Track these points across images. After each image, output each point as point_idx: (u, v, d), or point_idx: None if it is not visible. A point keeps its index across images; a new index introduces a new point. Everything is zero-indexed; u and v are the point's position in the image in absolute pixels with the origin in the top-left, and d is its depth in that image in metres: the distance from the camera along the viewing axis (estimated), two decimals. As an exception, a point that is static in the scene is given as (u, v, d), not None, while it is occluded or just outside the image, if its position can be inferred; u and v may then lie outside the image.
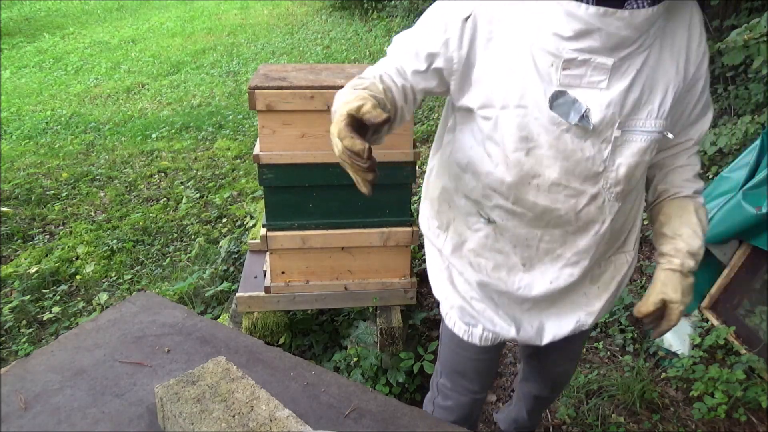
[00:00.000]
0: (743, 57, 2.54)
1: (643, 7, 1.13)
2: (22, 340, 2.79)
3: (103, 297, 3.11)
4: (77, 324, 2.83)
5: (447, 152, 1.46)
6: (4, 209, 4.06)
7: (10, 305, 3.02)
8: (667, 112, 1.26)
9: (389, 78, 1.28)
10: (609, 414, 2.28)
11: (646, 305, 1.41)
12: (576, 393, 2.35)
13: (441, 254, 1.53)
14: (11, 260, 3.51)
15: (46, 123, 6.25)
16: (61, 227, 3.99)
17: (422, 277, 3.20)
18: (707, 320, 2.58)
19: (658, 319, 1.43)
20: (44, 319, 2.98)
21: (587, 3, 1.11)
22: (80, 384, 1.05)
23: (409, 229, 2.32)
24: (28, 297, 3.12)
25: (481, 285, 1.48)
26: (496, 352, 1.67)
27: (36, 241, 3.76)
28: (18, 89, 7.62)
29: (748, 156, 2.56)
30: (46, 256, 3.57)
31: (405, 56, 1.29)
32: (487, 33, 1.21)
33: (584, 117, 1.20)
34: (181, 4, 13.80)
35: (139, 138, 5.67)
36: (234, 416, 0.87)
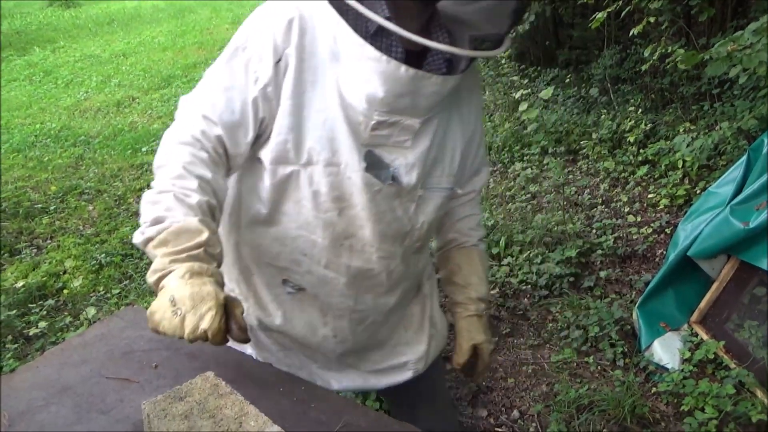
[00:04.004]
0: (726, 68, 2.57)
1: (440, 70, 1.16)
2: (8, 356, 2.75)
3: (91, 312, 3.08)
4: (64, 339, 2.80)
5: (240, 214, 1.33)
6: (-9, 223, 4.03)
7: (-5, 320, 2.98)
8: (456, 168, 1.32)
9: (201, 185, 1.10)
10: (600, 429, 2.27)
11: (462, 355, 1.50)
12: (567, 408, 2.35)
13: (250, 327, 1.42)
14: (-3, 274, 3.48)
15: (35, 136, 6.22)
16: (48, 241, 3.95)
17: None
18: (697, 334, 2.59)
19: (473, 362, 1.53)
20: (30, 334, 2.94)
21: (397, 60, 1.09)
22: (66, 401, 1.03)
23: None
24: (14, 311, 3.08)
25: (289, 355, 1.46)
26: None
27: (23, 255, 3.72)
28: (7, 102, 7.58)
29: (735, 171, 2.59)
30: (33, 270, 3.53)
31: (215, 117, 1.14)
32: (297, 81, 1.15)
33: (396, 178, 1.22)
34: (172, 18, 13.83)
35: (129, 152, 5.65)
36: (222, 433, 0.86)
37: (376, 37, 1.13)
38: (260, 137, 1.19)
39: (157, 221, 1.04)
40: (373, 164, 1.20)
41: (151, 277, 1.01)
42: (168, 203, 1.05)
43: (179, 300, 0.94)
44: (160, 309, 0.95)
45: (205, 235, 1.03)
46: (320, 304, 1.36)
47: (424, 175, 1.26)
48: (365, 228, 1.25)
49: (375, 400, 2.34)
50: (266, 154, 1.19)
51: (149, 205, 1.08)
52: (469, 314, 1.50)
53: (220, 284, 1.03)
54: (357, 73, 1.13)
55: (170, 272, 0.99)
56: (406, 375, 1.51)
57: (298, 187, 1.21)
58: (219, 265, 1.08)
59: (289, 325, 1.39)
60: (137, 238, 1.06)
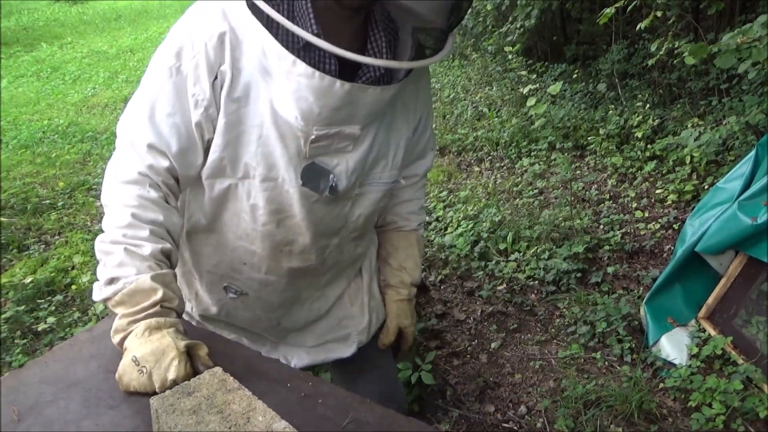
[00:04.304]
0: (735, 62, 2.54)
1: (378, 81, 1.15)
2: (16, 351, 2.77)
3: (99, 307, 3.09)
4: (72, 335, 2.82)
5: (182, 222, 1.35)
6: (0, 219, 4.05)
7: (4, 315, 2.99)
8: (400, 162, 1.33)
9: (153, 230, 1.08)
10: (607, 425, 2.27)
11: (388, 337, 1.56)
12: (574, 404, 2.34)
13: (192, 317, 1.47)
14: (6, 270, 3.50)
15: (43, 132, 6.25)
16: (57, 237, 3.97)
17: (420, 287, 3.20)
18: (704, 330, 2.58)
19: (397, 344, 1.59)
20: (39, 329, 2.95)
21: (330, 74, 1.06)
22: (74, 396, 1.03)
23: (406, 239, 2.31)
24: (23, 307, 3.10)
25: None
26: None
27: (31, 251, 3.74)
28: (15, 98, 7.62)
29: (743, 167, 2.57)
30: (42, 266, 3.55)
31: (162, 146, 1.11)
32: (231, 98, 1.12)
33: (333, 188, 1.23)
34: (179, 14, 13.83)
35: (136, 147, 5.66)
36: (230, 428, 0.87)
37: (306, 50, 1.08)
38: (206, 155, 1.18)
39: (111, 281, 1.06)
40: (313, 175, 1.20)
41: (114, 338, 1.05)
42: (119, 258, 1.06)
43: (141, 359, 0.98)
44: (126, 371, 1.00)
45: (159, 293, 1.05)
46: (262, 303, 1.40)
47: (363, 175, 1.27)
48: (304, 234, 1.28)
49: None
50: (204, 171, 1.19)
51: (103, 257, 1.09)
52: (399, 298, 1.54)
53: (181, 332, 1.06)
54: (290, 90, 1.09)
55: (130, 332, 1.03)
56: (352, 348, 1.54)
57: (236, 199, 1.22)
58: (180, 314, 1.10)
59: (232, 320, 1.45)
60: (96, 295, 1.09)
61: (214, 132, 1.14)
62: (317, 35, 1.04)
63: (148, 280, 1.05)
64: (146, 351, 0.99)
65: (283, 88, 1.10)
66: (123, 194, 1.11)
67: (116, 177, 1.13)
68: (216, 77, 1.10)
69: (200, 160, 1.17)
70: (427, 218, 3.81)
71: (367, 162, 1.26)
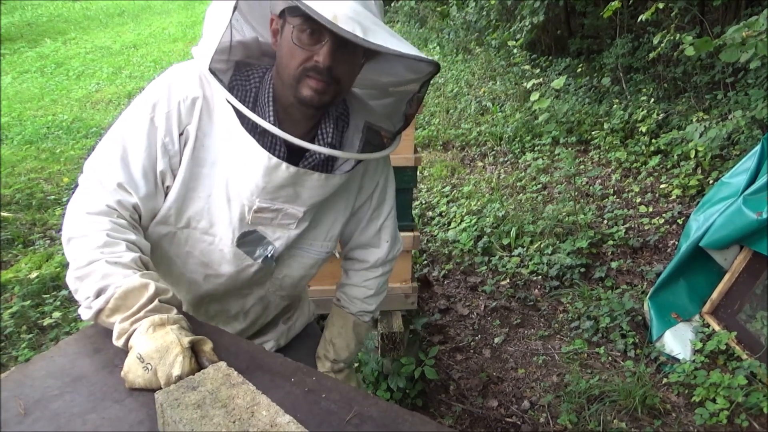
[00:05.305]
0: (741, 55, 2.53)
1: (323, 167, 1.26)
2: (22, 346, 2.78)
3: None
4: (78, 329, 2.83)
5: None
6: (5, 214, 4.06)
7: (10, 310, 3.01)
8: (336, 236, 1.40)
9: (128, 246, 1.12)
10: (611, 420, 2.27)
11: None
12: (577, 398, 2.35)
13: None
14: (12, 265, 3.51)
15: (48, 128, 6.26)
16: (61, 232, 3.98)
17: (423, 282, 3.20)
18: (708, 325, 2.58)
19: None
20: (44, 324, 2.97)
21: (279, 157, 1.17)
22: (80, 389, 1.04)
23: (410, 233, 2.32)
24: (29, 302, 3.11)
25: None
26: None
27: (37, 246, 3.75)
28: (19, 94, 7.63)
29: (749, 162, 2.56)
30: (47, 261, 3.56)
31: (131, 187, 1.17)
32: (192, 157, 1.20)
33: (268, 258, 1.31)
34: (182, 9, 13.84)
35: (140, 143, 5.67)
36: (234, 422, 0.87)
37: (262, 132, 1.18)
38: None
39: (100, 292, 1.06)
40: (251, 242, 1.28)
41: (117, 342, 1.06)
42: (103, 271, 1.07)
43: (146, 356, 1.00)
44: (131, 369, 1.01)
45: (151, 288, 1.06)
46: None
47: (296, 241, 1.33)
48: (227, 295, 1.38)
49: (386, 390, 2.36)
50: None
51: (82, 281, 1.09)
52: (323, 369, 1.58)
53: (185, 328, 1.08)
54: (243, 161, 1.19)
55: (134, 331, 1.04)
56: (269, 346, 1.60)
57: (172, 244, 1.28)
58: (179, 308, 1.12)
59: None
60: (85, 314, 1.08)
61: (172, 182, 1.21)
62: (273, 123, 1.16)
63: (138, 278, 1.07)
64: (151, 348, 1.00)
65: (238, 158, 1.20)
66: (92, 223, 1.13)
67: (82, 209, 1.15)
68: (182, 133, 1.19)
69: (160, 204, 1.23)
70: (431, 213, 3.81)
71: (303, 231, 1.33)
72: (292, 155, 1.22)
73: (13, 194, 4.40)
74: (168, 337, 1.02)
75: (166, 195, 1.22)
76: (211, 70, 1.14)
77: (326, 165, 1.28)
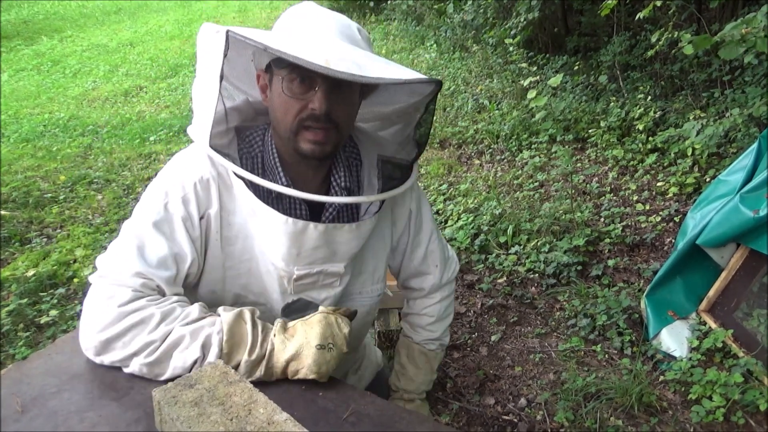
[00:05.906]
0: (739, 52, 2.52)
1: (351, 217, 1.23)
2: (20, 344, 2.78)
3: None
4: (75, 327, 2.82)
5: None
6: (2, 212, 4.05)
7: (7, 308, 3.00)
8: (382, 275, 1.38)
9: (179, 301, 1.09)
10: (607, 417, 2.28)
11: None
12: (574, 396, 2.35)
13: None
14: (8, 263, 3.50)
15: (44, 126, 6.25)
16: (58, 230, 3.98)
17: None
18: (705, 323, 2.58)
19: None
20: (42, 322, 2.96)
21: (302, 218, 1.14)
22: (78, 387, 1.04)
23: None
24: (26, 300, 3.11)
25: None
26: None
27: (33, 244, 3.75)
28: (16, 92, 7.61)
29: (746, 159, 2.57)
30: (44, 259, 3.55)
31: (149, 274, 1.09)
32: (221, 237, 1.16)
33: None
34: (179, 7, 13.80)
35: (137, 141, 5.66)
36: (232, 420, 0.87)
37: (278, 199, 1.16)
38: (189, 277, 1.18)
39: (205, 348, 1.03)
40: (298, 309, 1.25)
41: (255, 375, 1.04)
42: (187, 333, 1.03)
43: (323, 340, 1.04)
44: (319, 361, 1.03)
45: (246, 312, 1.08)
46: None
47: (344, 295, 1.32)
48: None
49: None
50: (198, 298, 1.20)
51: (171, 358, 1.03)
52: (397, 398, 1.59)
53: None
54: (269, 235, 1.15)
55: (272, 349, 1.04)
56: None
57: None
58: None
59: None
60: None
61: (197, 266, 1.16)
62: (286, 184, 1.13)
63: (225, 314, 1.07)
64: (317, 332, 1.04)
65: (265, 233, 1.16)
66: (133, 311, 1.05)
67: (113, 305, 1.05)
68: (203, 217, 1.15)
69: (191, 278, 1.18)
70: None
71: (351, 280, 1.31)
72: (314, 212, 1.19)
73: (9, 192, 4.39)
74: (312, 318, 1.07)
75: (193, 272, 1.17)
76: (214, 147, 1.10)
77: (351, 211, 1.25)
